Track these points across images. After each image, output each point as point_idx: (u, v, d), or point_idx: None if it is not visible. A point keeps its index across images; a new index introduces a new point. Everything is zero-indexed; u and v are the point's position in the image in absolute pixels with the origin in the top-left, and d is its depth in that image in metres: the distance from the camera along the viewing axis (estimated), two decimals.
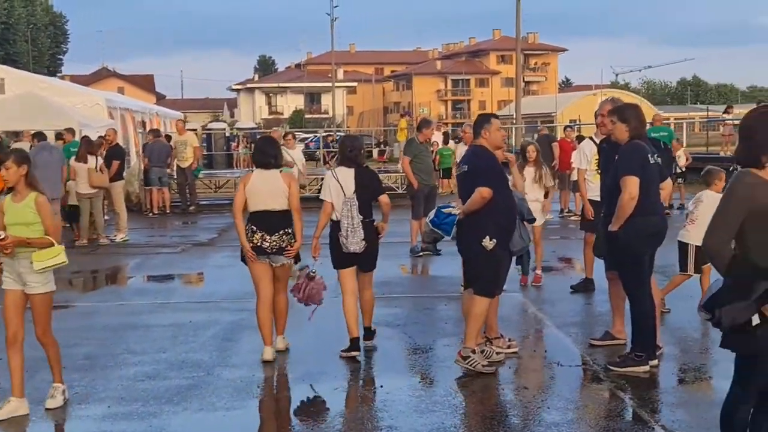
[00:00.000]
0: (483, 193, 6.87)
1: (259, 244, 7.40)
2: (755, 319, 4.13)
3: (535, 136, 26.52)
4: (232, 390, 6.75)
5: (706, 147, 33.37)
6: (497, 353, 7.38)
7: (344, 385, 7.00)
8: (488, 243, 6.92)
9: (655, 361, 7.10)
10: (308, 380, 7.06)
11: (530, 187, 10.22)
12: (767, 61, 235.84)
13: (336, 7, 67.31)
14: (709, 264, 8.56)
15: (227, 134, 42.34)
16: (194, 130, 31.53)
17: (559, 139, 21.98)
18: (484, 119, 7.36)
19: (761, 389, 4.40)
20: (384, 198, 7.65)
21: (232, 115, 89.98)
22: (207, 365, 7.46)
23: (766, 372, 4.32)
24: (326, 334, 8.19)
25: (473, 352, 7.05)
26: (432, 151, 19.15)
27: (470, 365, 6.99)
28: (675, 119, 49.02)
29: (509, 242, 7.23)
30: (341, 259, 7.61)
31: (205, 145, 34.30)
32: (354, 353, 7.59)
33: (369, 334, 7.95)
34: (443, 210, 7.30)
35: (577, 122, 44.42)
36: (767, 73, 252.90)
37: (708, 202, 8.36)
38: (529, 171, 10.48)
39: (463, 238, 7.15)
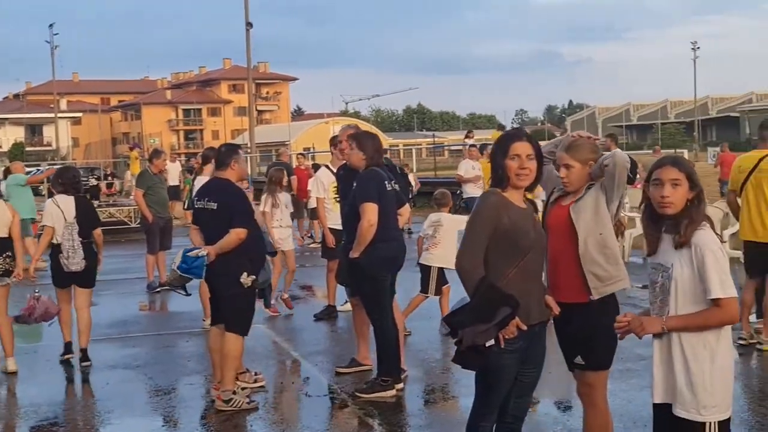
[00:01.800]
0: (240, 234, 6.61)
1: None
2: (489, 342, 4.24)
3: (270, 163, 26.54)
4: None
5: (434, 171, 34.93)
6: (242, 389, 7.16)
7: None
8: (246, 279, 6.69)
9: (401, 385, 7.17)
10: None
11: (284, 214, 10.60)
12: (485, 90, 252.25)
13: (56, 34, 64.31)
14: (448, 285, 8.88)
15: None
16: None
17: (294, 167, 22.10)
18: (231, 149, 7.02)
19: (500, 405, 4.52)
20: (97, 231, 8.44)
21: None
22: None
23: (500, 389, 4.44)
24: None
25: (234, 392, 6.80)
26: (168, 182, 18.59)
27: (234, 406, 6.72)
28: (404, 145, 50.99)
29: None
30: (61, 278, 8.27)
31: None
32: (68, 356, 8.39)
33: (86, 356, 8.30)
34: (189, 254, 6.71)
35: (312, 150, 45.12)
36: (485, 102, 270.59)
37: (448, 224, 8.63)
38: (283, 197, 10.67)
39: (218, 278, 6.79)
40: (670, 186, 3.82)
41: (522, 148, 4.38)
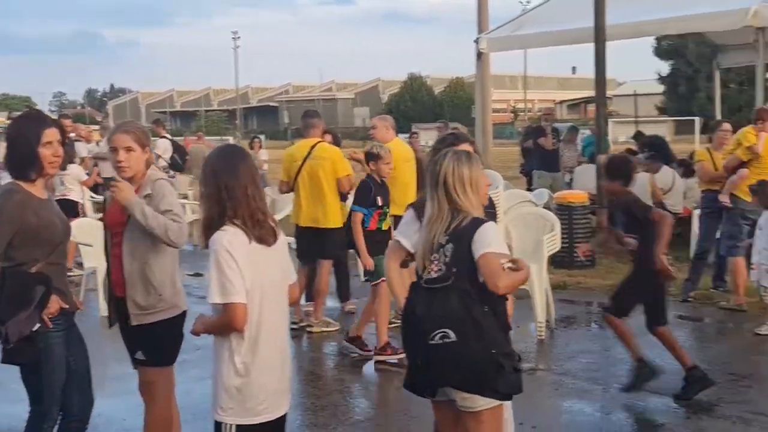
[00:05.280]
0: None
1: None
2: (35, 326, 4.07)
3: None
4: None
5: None
6: None
7: None
8: None
9: None
10: None
11: None
12: (21, 71, 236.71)
13: None
14: None
15: None
16: None
17: None
18: None
19: (65, 403, 4.30)
20: None
21: None
22: None
23: (58, 377, 4.22)
24: None
25: None
26: None
27: None
28: None
29: None
30: None
31: None
32: None
33: None
34: None
35: None
36: (20, 84, 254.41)
37: None
38: None
39: None
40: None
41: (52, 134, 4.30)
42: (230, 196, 3.62)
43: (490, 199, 4.86)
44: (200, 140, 23.63)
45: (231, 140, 31.12)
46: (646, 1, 12.90)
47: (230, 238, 3.58)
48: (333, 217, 8.64)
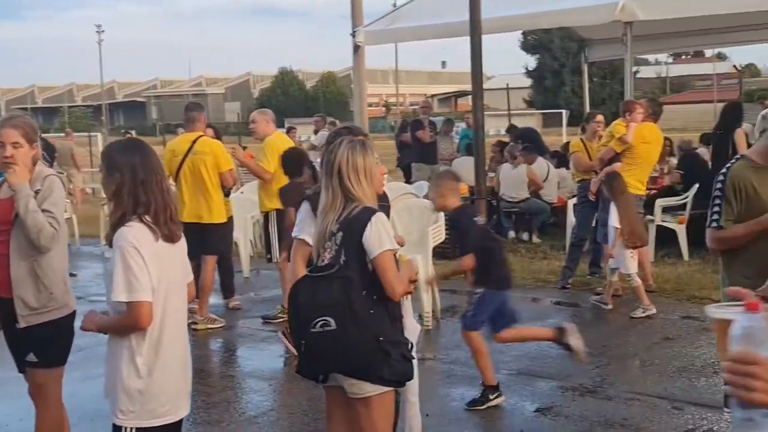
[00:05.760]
0: None
1: None
2: None
3: None
4: None
5: None
6: None
7: None
8: None
9: None
10: None
11: None
12: None
13: None
14: None
15: None
16: None
17: None
18: None
19: None
20: None
21: None
22: None
23: None
24: None
25: None
26: None
27: None
28: None
29: None
30: None
31: None
32: None
33: None
34: None
35: None
36: None
37: None
38: None
39: None
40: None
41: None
42: (146, 191, 3.51)
43: (384, 192, 4.89)
44: (69, 137, 22.91)
45: (99, 137, 30.13)
46: None
47: (136, 233, 3.47)
48: (217, 212, 8.52)
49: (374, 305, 3.91)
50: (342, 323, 3.80)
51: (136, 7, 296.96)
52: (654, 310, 8.49)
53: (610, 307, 8.85)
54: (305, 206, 4.48)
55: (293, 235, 4.53)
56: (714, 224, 4.19)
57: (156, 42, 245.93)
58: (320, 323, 3.81)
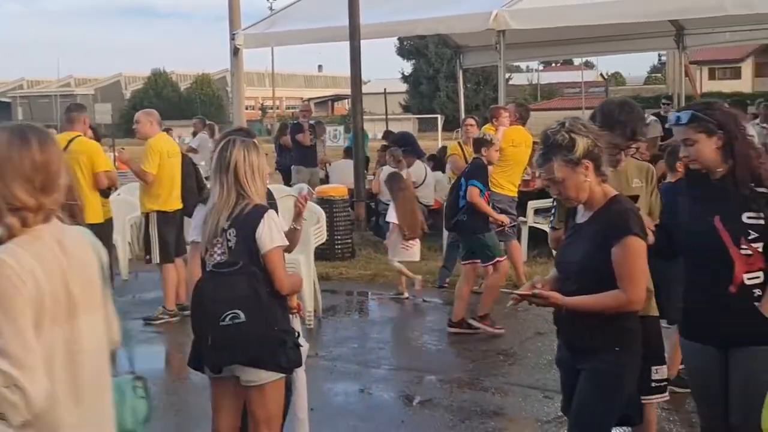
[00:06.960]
0: None
1: None
2: None
3: None
4: None
5: None
6: None
7: None
8: None
9: None
10: None
11: None
12: None
13: None
14: None
15: None
16: None
17: None
18: None
19: None
20: None
21: None
22: None
23: None
24: None
25: None
26: None
27: None
28: None
29: None
30: None
31: None
32: None
33: None
34: None
35: None
36: None
37: None
38: None
39: None
40: None
41: None
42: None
43: (269, 190, 5.03)
44: None
45: None
46: (396, 3, 13.52)
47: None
48: (92, 212, 8.39)
49: (270, 297, 4.12)
50: (250, 315, 4.02)
51: (1, 4, 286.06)
52: (406, 295, 9.66)
53: (406, 295, 9.72)
54: (200, 209, 4.56)
55: (189, 238, 4.61)
56: (551, 225, 4.56)
57: (22, 41, 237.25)
58: (230, 316, 4.01)
